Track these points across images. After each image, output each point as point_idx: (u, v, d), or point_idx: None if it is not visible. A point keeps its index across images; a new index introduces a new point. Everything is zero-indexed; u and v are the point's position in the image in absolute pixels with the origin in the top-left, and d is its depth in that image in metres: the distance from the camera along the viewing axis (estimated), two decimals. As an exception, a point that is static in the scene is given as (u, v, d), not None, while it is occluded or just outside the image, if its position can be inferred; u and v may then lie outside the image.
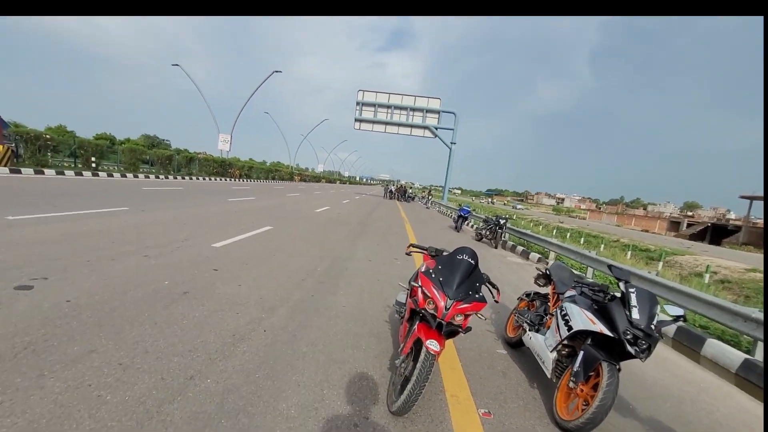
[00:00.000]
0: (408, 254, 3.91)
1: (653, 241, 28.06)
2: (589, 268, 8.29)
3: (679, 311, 2.56)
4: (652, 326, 2.37)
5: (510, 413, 2.69)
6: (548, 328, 3.36)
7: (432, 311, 2.38)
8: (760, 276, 16.38)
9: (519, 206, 40.00)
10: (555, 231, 30.54)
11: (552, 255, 10.25)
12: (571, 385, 2.56)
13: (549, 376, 2.89)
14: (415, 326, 2.53)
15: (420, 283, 2.53)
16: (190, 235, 6.91)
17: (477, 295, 2.43)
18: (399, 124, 35.08)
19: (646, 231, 41.62)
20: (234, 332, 3.29)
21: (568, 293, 3.15)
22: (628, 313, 2.41)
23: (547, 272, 3.77)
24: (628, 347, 2.33)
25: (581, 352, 2.58)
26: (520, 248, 11.49)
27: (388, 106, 35.08)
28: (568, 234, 31.69)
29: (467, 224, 17.34)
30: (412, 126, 35.11)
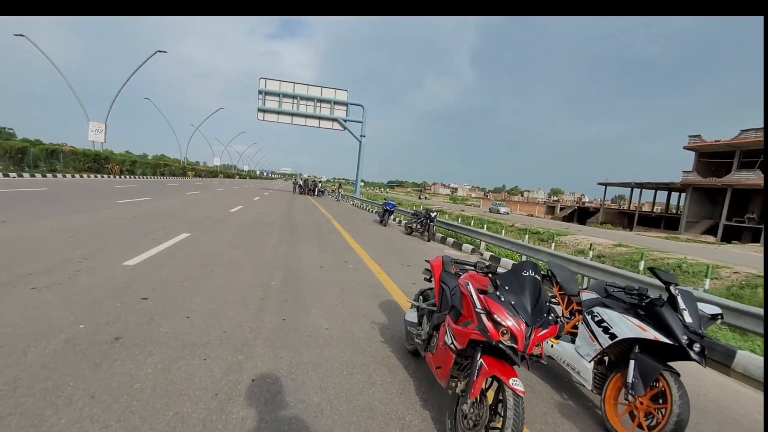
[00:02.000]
0: (429, 279, 3.43)
1: (539, 224, 31.99)
2: (523, 255, 8.86)
3: (717, 309, 2.60)
4: (702, 328, 2.37)
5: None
6: (566, 333, 3.26)
7: (509, 343, 1.99)
8: (626, 249, 19.75)
9: (502, 209, 41.57)
10: (459, 219, 32.84)
11: (483, 245, 10.77)
12: (630, 399, 2.43)
13: (590, 388, 2.74)
14: (479, 360, 2.11)
15: (480, 308, 2.09)
16: (87, 253, 5.33)
17: (550, 317, 2.11)
18: (307, 116, 33.62)
19: (531, 215, 47.69)
20: (215, 391, 2.45)
21: (587, 296, 3.07)
22: (680, 317, 2.37)
23: (549, 272, 3.68)
24: (692, 354, 2.28)
25: (632, 362, 2.45)
26: (450, 240, 11.85)
27: (294, 96, 33.30)
28: (472, 221, 34.38)
29: (391, 218, 17.39)
30: (320, 118, 33.98)
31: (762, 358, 3.68)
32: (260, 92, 32.37)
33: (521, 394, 1.93)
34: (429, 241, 11.69)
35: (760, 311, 3.91)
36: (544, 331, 2.05)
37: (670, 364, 2.39)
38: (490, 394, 2.15)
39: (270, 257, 6.65)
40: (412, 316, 3.25)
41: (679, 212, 41.48)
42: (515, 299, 2.06)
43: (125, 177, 31.80)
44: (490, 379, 2.14)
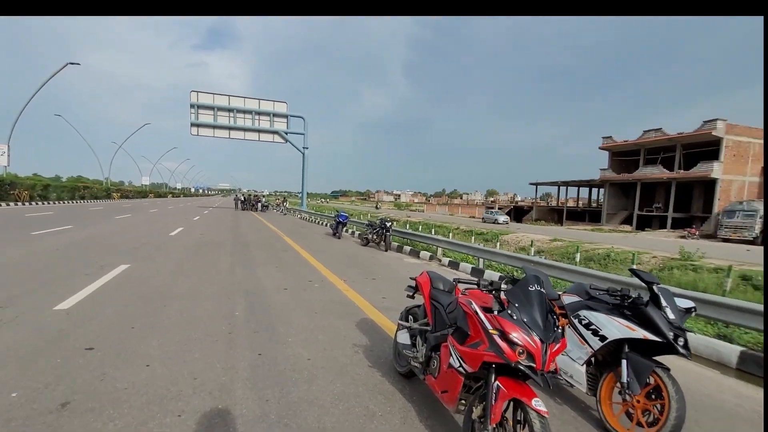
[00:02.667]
0: (411, 296, 3.37)
1: (482, 226, 33.56)
2: (480, 259, 9.16)
3: (690, 303, 2.77)
4: (682, 323, 2.55)
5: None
6: None
7: (528, 362, 1.93)
8: (561, 243, 21.28)
9: (501, 218, 40.68)
10: (407, 225, 33.44)
11: (440, 251, 10.98)
12: (627, 398, 2.52)
13: (585, 391, 2.82)
14: (495, 383, 2.03)
15: (493, 328, 2.02)
16: (9, 296, 4.52)
17: (559, 330, 2.12)
18: (245, 129, 32.22)
19: (473, 217, 49.95)
20: (201, 453, 2.14)
21: (568, 299, 3.17)
22: (664, 315, 2.53)
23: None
24: (679, 348, 2.43)
25: (625, 362, 2.55)
26: (407, 248, 11.94)
27: (230, 110, 31.74)
28: (420, 227, 35.16)
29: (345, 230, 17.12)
30: (259, 131, 32.74)
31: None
32: (192, 106, 30.39)
33: (545, 415, 1.88)
34: (386, 251, 11.66)
35: (722, 299, 4.33)
36: (558, 346, 2.03)
37: (656, 359, 2.53)
38: (508, 415, 2.07)
39: (227, 283, 6.15)
40: (404, 338, 3.13)
41: (599, 206, 46.00)
42: (527, 316, 2.01)
43: (37, 203, 27.94)
44: (507, 401, 2.05)
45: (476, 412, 2.12)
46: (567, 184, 49.01)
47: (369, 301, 5.57)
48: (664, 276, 11.77)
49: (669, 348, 2.45)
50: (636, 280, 4.38)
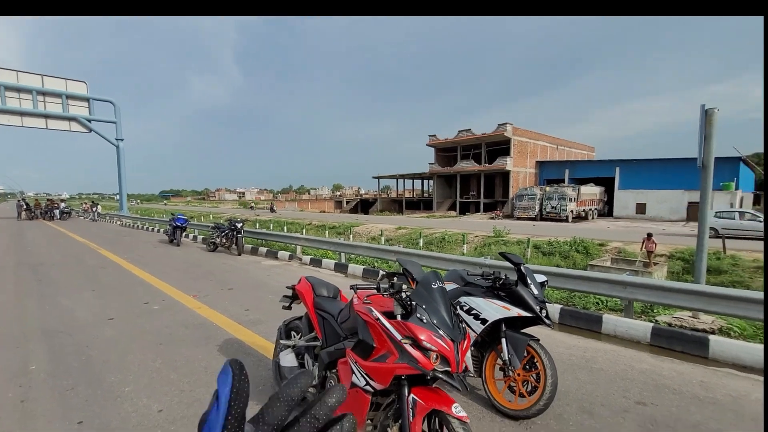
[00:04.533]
0: (288, 307, 2.94)
1: (333, 219, 34.23)
2: (341, 254, 9.17)
3: (543, 278, 3.20)
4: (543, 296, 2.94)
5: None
6: None
7: (444, 368, 1.81)
8: (405, 231, 23.47)
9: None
10: (257, 224, 31.35)
11: (299, 249, 10.54)
12: (510, 373, 2.74)
13: (472, 374, 2.96)
14: (410, 396, 1.86)
15: (402, 337, 1.84)
16: None
17: (463, 326, 2.08)
18: (23, 113, 24.19)
19: (324, 212, 50.38)
20: None
21: (447, 287, 3.34)
22: (531, 291, 2.84)
23: (404, 270, 3.81)
24: (544, 320, 2.77)
25: (504, 340, 2.76)
26: (263, 249, 11.05)
27: (-9, 85, 23.26)
28: (271, 225, 33.49)
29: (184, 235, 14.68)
30: (47, 116, 25.12)
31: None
32: None
33: (467, 420, 1.80)
34: (240, 254, 10.53)
35: (572, 271, 5.29)
36: (467, 342, 1.99)
37: (527, 332, 2.88)
38: (425, 427, 1.92)
39: (13, 321, 4.40)
40: (289, 360, 2.71)
41: (431, 195, 52.86)
42: (436, 317, 1.90)
43: None
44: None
45: (392, 431, 1.93)
46: (404, 177, 54.50)
47: (230, 317, 4.83)
48: (485, 251, 14.27)
49: (536, 320, 2.80)
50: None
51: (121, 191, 29.19)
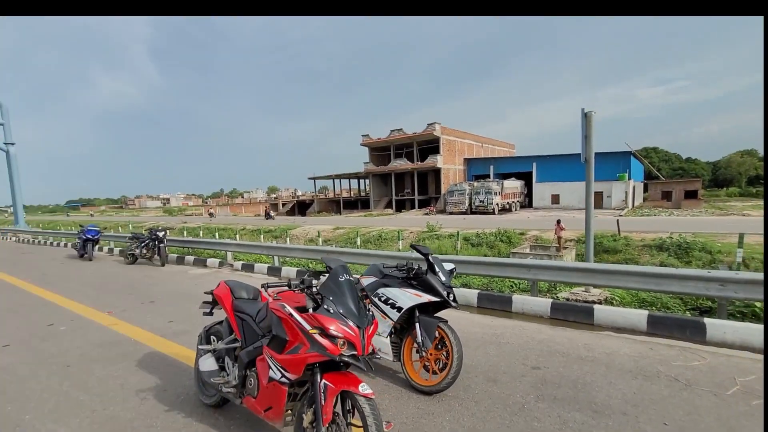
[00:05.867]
0: (209, 312, 2.92)
1: (269, 223, 33.21)
2: (275, 257, 9.04)
3: (452, 266, 3.50)
4: (450, 282, 3.27)
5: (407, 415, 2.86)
6: None
7: (350, 352, 2.00)
8: (343, 231, 23.57)
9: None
10: (185, 233, 29.30)
11: (229, 255, 10.16)
12: (423, 354, 3.02)
13: (392, 359, 3.18)
14: (322, 382, 2.03)
15: (311, 327, 2.01)
16: None
17: (370, 312, 2.28)
18: None
19: (258, 215, 48.50)
20: None
21: (367, 281, 3.54)
22: (439, 278, 3.16)
23: (328, 268, 3.95)
24: (451, 303, 3.09)
25: (417, 324, 3.05)
26: (190, 258, 10.45)
27: None
28: (201, 233, 31.48)
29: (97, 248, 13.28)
30: None
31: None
32: None
33: (372, 397, 2.01)
34: (163, 265, 9.86)
35: (486, 259, 5.77)
36: (372, 328, 2.21)
37: (438, 315, 3.20)
38: (338, 409, 2.10)
39: None
40: (208, 364, 2.72)
41: (367, 194, 53.47)
42: (342, 307, 2.09)
43: None
44: (336, 396, 2.06)
45: (307, 418, 2.07)
46: (340, 177, 54.44)
47: (151, 330, 4.61)
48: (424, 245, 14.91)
49: (444, 304, 3.14)
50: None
51: (15, 202, 25.47)
